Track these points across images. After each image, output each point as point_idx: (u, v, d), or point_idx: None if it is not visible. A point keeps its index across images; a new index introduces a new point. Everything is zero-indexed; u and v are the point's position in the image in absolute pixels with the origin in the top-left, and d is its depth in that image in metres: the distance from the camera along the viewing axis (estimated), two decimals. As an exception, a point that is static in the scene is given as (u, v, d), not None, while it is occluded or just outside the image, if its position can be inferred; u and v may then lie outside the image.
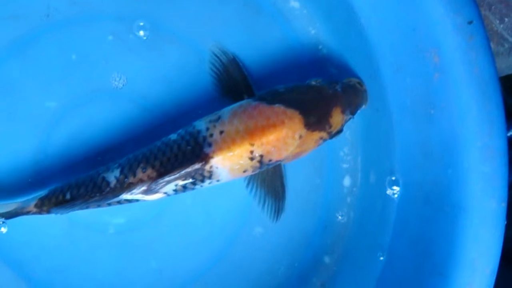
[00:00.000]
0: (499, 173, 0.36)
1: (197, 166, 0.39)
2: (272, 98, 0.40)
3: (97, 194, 0.39)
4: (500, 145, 0.36)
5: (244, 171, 0.40)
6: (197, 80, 0.45)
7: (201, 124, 0.40)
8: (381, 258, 0.42)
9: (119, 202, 0.40)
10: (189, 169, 0.38)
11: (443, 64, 0.37)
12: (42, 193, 0.41)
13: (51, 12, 0.44)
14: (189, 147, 0.39)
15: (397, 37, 0.40)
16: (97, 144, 0.44)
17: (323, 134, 0.41)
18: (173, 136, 0.40)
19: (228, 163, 0.39)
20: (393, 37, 0.40)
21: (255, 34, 0.46)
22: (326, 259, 0.46)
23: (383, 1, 0.40)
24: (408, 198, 0.41)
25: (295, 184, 0.45)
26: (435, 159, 0.38)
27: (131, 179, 0.39)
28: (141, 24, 0.44)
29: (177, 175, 0.38)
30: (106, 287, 0.44)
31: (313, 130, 0.40)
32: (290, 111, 0.39)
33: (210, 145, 0.39)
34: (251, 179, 0.43)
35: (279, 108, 0.39)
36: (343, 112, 0.41)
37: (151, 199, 0.40)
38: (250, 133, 0.39)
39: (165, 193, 0.40)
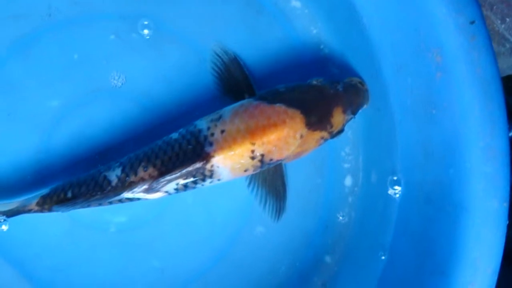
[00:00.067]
0: (501, 173, 0.36)
1: (198, 165, 0.39)
2: (273, 98, 0.40)
3: (99, 193, 0.39)
4: (502, 145, 0.36)
5: (245, 171, 0.40)
6: (198, 80, 0.45)
7: (202, 123, 0.40)
8: (383, 258, 0.42)
9: (120, 201, 0.40)
10: (190, 168, 0.38)
11: (445, 64, 0.37)
12: (43, 191, 0.41)
13: (52, 12, 0.44)
14: (190, 146, 0.39)
15: (399, 36, 0.40)
16: (99, 143, 0.44)
17: (324, 134, 0.41)
18: (175, 135, 0.40)
19: (229, 162, 0.39)
20: (395, 37, 0.40)
21: (257, 33, 0.46)
22: (327, 259, 0.46)
23: (385, 0, 0.40)
24: (410, 198, 0.41)
25: (296, 184, 0.45)
26: (437, 159, 0.38)
27: (132, 178, 0.39)
28: (146, 23, 0.44)
29: (178, 174, 0.39)
30: (108, 286, 0.44)
31: (314, 130, 0.40)
32: (291, 111, 0.39)
33: (211, 144, 0.39)
34: (252, 179, 0.43)
35: (280, 107, 0.39)
36: (344, 112, 0.41)
37: (152, 198, 0.40)
38: (251, 133, 0.39)
39: (166, 192, 0.40)
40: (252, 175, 0.42)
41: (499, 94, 0.36)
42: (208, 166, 0.39)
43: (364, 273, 0.43)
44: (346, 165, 0.46)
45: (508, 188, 0.36)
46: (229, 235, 0.45)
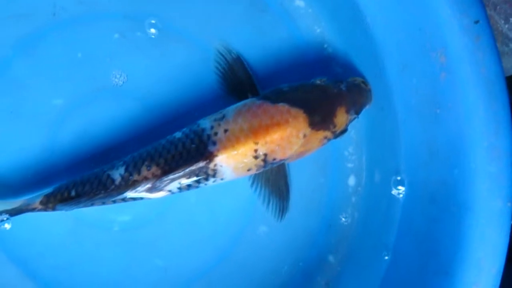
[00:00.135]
0: (505, 173, 0.35)
1: (201, 164, 0.39)
2: (276, 97, 0.40)
3: (102, 192, 0.39)
4: (506, 145, 0.36)
5: (248, 170, 0.40)
6: (201, 79, 0.45)
7: (205, 123, 0.40)
8: (386, 258, 0.42)
9: (123, 200, 0.40)
10: (193, 167, 0.39)
11: (449, 64, 0.37)
12: (47, 190, 0.41)
13: (57, 10, 0.44)
14: (193, 145, 0.39)
15: (403, 36, 0.40)
16: (102, 142, 0.44)
17: (328, 134, 0.41)
18: (178, 134, 0.40)
19: (232, 162, 0.39)
20: (399, 37, 0.40)
21: (261, 33, 0.46)
22: (331, 258, 0.46)
23: (389, 0, 0.40)
24: (414, 198, 0.41)
25: (300, 183, 0.45)
26: (441, 159, 0.38)
27: (135, 177, 0.39)
28: (153, 22, 0.44)
29: (182, 173, 0.39)
30: (111, 285, 0.44)
31: (318, 130, 0.40)
32: (295, 110, 0.39)
33: (214, 143, 0.39)
34: (255, 178, 0.43)
35: (283, 107, 0.39)
36: (347, 111, 0.41)
37: (155, 197, 0.40)
38: (254, 132, 0.39)
39: (169, 191, 0.40)
40: (255, 174, 0.42)
41: (504, 94, 0.36)
42: (211, 165, 0.39)
43: (368, 273, 0.43)
44: (350, 165, 0.46)
45: (512, 188, 0.36)
46: (232, 234, 0.45)
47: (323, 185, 0.46)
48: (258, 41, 0.46)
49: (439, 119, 0.38)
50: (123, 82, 0.44)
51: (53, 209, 0.40)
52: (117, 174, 0.39)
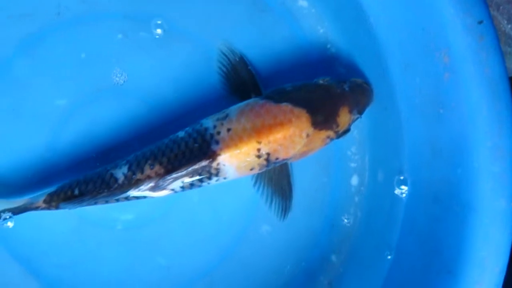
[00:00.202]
0: (508, 172, 0.35)
1: (204, 163, 0.39)
2: (279, 97, 0.40)
3: (105, 190, 0.39)
4: (509, 144, 0.36)
5: (251, 169, 0.40)
6: (204, 79, 0.45)
7: (208, 122, 0.40)
8: (389, 257, 0.42)
9: (127, 198, 0.40)
10: (196, 166, 0.39)
11: (453, 64, 0.37)
12: (51, 189, 0.41)
13: (61, 10, 0.45)
14: (196, 145, 0.39)
15: (406, 36, 0.40)
16: (106, 142, 0.44)
17: (330, 133, 0.41)
18: (181, 134, 0.40)
19: (235, 161, 0.39)
20: (402, 36, 0.40)
21: (264, 33, 0.46)
22: (333, 258, 0.46)
23: (392, 0, 0.40)
24: (417, 197, 0.41)
25: (302, 183, 0.45)
26: (445, 158, 0.38)
27: (138, 176, 0.39)
28: (159, 22, 0.45)
29: (184, 172, 0.39)
30: (114, 283, 0.44)
31: (321, 129, 0.40)
32: (298, 110, 0.39)
33: (217, 142, 0.39)
34: (258, 178, 0.43)
35: (286, 106, 0.39)
36: (350, 111, 0.41)
37: (158, 195, 0.40)
38: (257, 131, 0.39)
39: (172, 190, 0.40)
40: (258, 174, 0.42)
41: (507, 94, 0.36)
42: (214, 164, 0.39)
43: (370, 273, 0.43)
44: (353, 165, 0.46)
45: (515, 188, 0.36)
46: (235, 233, 0.45)
47: (326, 184, 0.46)
48: (261, 41, 0.46)
49: (442, 118, 0.38)
50: (126, 82, 0.45)
51: (57, 207, 0.40)
52: (120, 173, 0.40)
